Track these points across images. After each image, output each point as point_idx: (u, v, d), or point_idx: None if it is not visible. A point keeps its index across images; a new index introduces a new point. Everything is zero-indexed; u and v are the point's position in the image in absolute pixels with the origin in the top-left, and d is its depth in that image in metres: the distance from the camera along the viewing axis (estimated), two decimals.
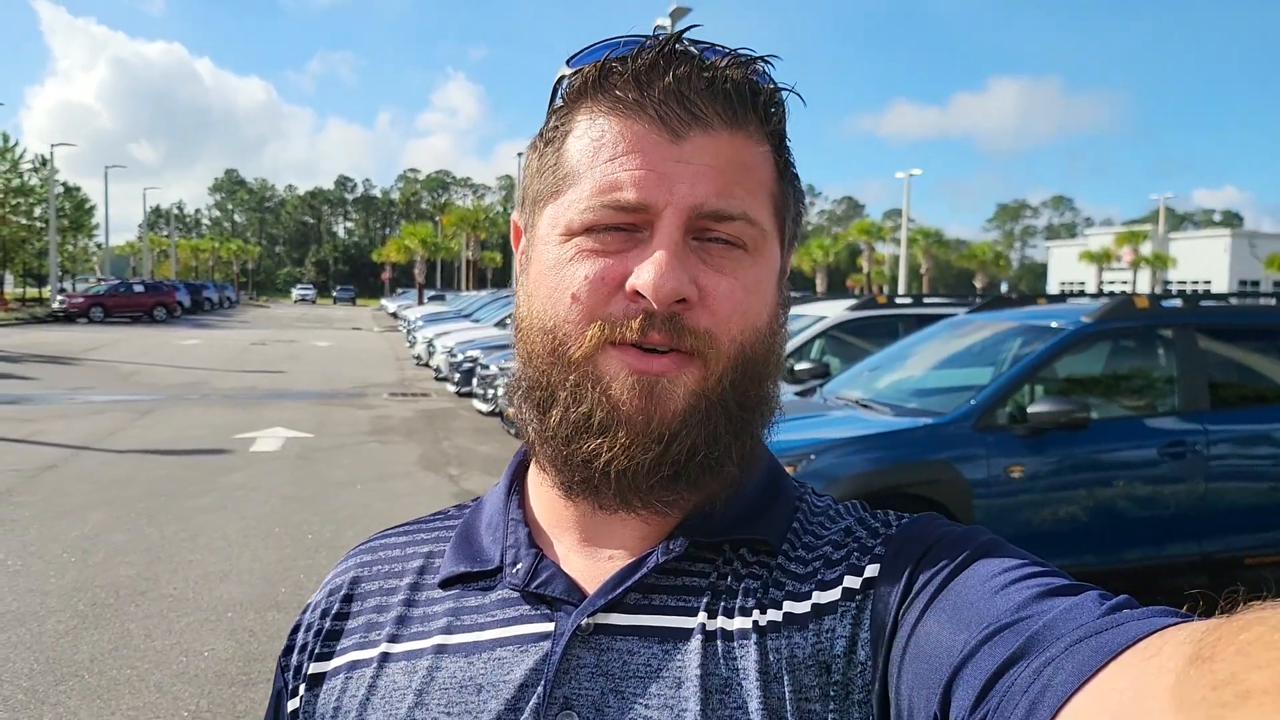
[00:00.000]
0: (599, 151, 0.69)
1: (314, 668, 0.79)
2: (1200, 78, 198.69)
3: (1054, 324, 5.54)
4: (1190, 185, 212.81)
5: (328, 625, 0.81)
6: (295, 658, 0.82)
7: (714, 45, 0.72)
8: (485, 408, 13.91)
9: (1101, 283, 66.02)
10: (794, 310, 9.65)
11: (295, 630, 0.83)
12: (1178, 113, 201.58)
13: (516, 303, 0.76)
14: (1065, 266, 79.35)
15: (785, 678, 0.66)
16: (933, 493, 4.86)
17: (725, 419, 0.70)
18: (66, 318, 41.56)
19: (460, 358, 16.55)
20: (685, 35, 0.72)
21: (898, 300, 8.61)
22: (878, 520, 0.75)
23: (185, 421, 13.49)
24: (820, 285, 59.11)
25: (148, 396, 16.30)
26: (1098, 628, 0.53)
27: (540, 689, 0.68)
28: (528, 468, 0.82)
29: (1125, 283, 65.49)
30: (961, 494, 4.85)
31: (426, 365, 22.00)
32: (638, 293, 0.67)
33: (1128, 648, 0.50)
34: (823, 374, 7.63)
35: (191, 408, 15.09)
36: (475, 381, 14.62)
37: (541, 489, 0.78)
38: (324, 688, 0.77)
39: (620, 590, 0.70)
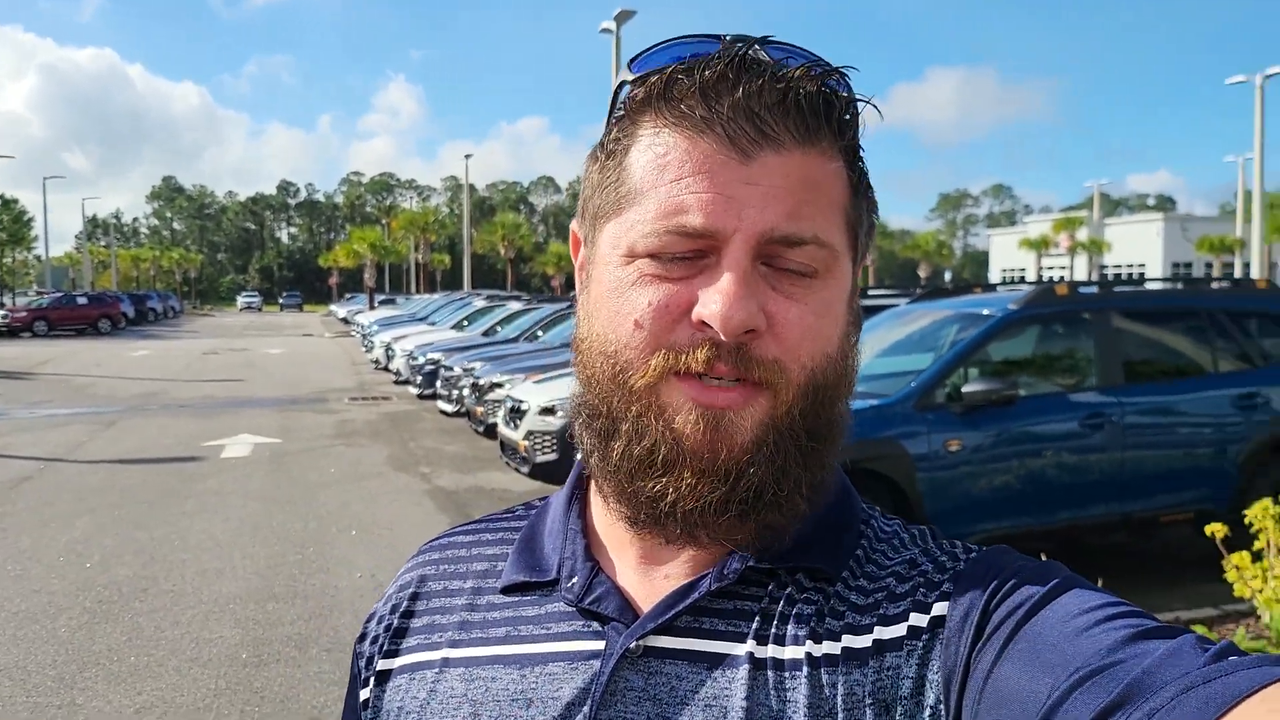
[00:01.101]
0: (663, 171, 0.66)
1: (382, 664, 0.79)
2: (1133, 64, 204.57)
3: (985, 311, 6.10)
4: (1125, 171, 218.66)
5: (395, 621, 0.81)
6: (368, 647, 0.81)
7: (791, 49, 0.68)
8: (450, 408, 14.26)
9: (1041, 269, 67.64)
10: None
11: (369, 619, 0.83)
12: (1111, 100, 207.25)
13: (576, 321, 0.74)
14: (1006, 254, 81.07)
15: (840, 714, 0.63)
16: (881, 467, 5.38)
17: (795, 451, 0.67)
18: (10, 332, 40.89)
19: (422, 360, 16.85)
20: (759, 40, 0.68)
21: None
22: (944, 553, 0.71)
23: (151, 431, 13.67)
24: None
25: (108, 408, 16.38)
26: (1206, 676, 0.50)
27: (586, 709, 0.68)
28: (590, 476, 0.80)
29: (1064, 268, 67.19)
30: (906, 468, 5.38)
31: (385, 369, 22.23)
32: (704, 323, 0.64)
33: (1244, 699, 0.47)
34: None
35: (154, 418, 15.23)
36: (439, 383, 14.95)
37: (601, 504, 0.76)
38: (390, 685, 0.77)
39: (671, 614, 0.69)
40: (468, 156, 51.33)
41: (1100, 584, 0.66)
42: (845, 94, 0.68)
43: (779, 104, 0.65)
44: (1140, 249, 69.28)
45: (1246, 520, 4.72)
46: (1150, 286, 7.11)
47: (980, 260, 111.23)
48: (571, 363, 0.75)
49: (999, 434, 5.56)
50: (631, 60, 0.71)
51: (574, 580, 0.74)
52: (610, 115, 0.72)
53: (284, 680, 4.83)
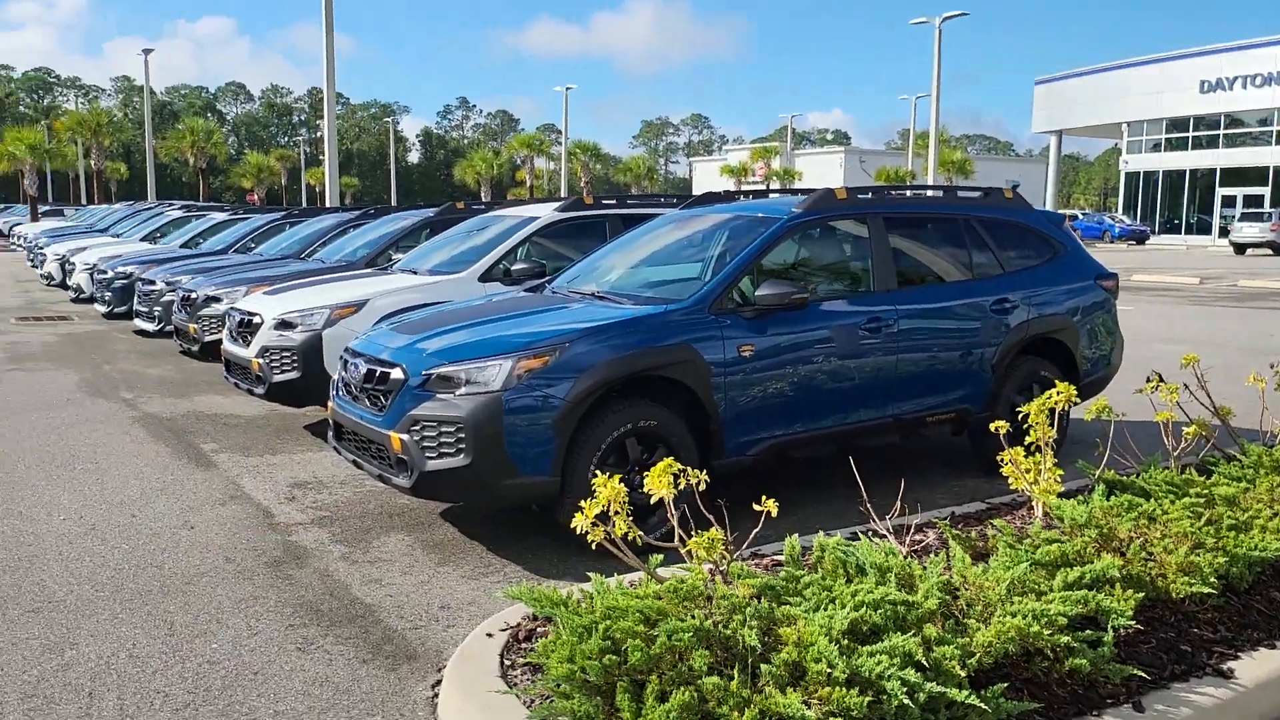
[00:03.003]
0: None
1: None
2: (811, 5, 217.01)
3: (768, 215, 5.96)
4: (805, 107, 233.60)
5: None
6: None
7: None
8: (151, 327, 12.60)
9: (741, 194, 71.09)
10: (503, 212, 9.57)
11: None
12: (792, 40, 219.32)
13: None
14: (707, 180, 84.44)
15: None
16: (676, 373, 5.11)
17: None
18: None
19: (111, 274, 14.80)
20: None
21: (604, 201, 8.80)
22: None
23: None
24: (484, 199, 58.73)
25: None
26: None
27: None
28: None
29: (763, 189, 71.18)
30: (701, 373, 5.14)
31: (62, 286, 19.44)
32: None
33: None
34: (538, 274, 7.67)
35: None
36: (136, 300, 13.16)
37: None
38: None
39: None
40: (147, 51, 45.65)
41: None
42: None
43: None
44: (826, 178, 74.43)
45: (1019, 417, 4.93)
46: (914, 194, 7.29)
47: (682, 186, 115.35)
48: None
49: (788, 339, 5.45)
50: None
51: None
52: None
53: None
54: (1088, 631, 3.40)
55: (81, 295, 17.15)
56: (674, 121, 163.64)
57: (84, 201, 58.74)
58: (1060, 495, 4.72)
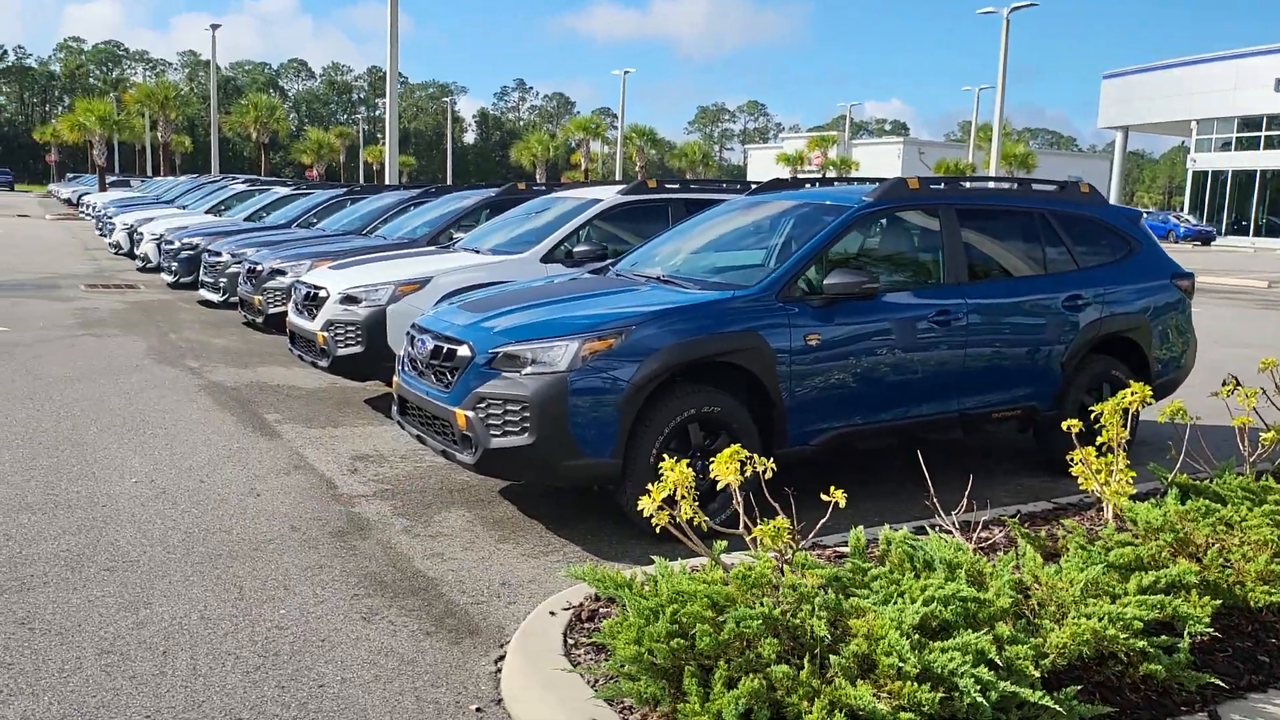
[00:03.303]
0: None
1: None
2: None
3: (838, 203, 5.89)
4: (864, 96, 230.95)
5: None
6: None
7: None
8: (216, 297, 12.81)
9: (810, 181, 70.52)
10: (565, 193, 9.57)
11: None
12: (852, 28, 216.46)
13: None
14: (762, 168, 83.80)
15: None
16: (742, 360, 5.08)
17: None
18: None
19: (178, 245, 15.07)
20: None
21: (667, 185, 8.76)
22: None
23: None
24: (540, 179, 58.93)
25: None
26: None
27: None
28: None
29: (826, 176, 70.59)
30: (767, 361, 5.11)
31: (129, 255, 19.86)
32: None
33: None
34: (600, 256, 7.67)
35: None
36: (202, 270, 13.40)
37: None
38: None
39: None
40: (215, 27, 46.41)
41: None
42: None
43: None
44: (883, 169, 73.50)
45: (1091, 417, 4.82)
46: (991, 185, 7.15)
47: (736, 173, 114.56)
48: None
49: (855, 329, 5.39)
50: None
51: None
52: None
53: (58, 607, 3.98)
54: (1163, 637, 3.33)
55: (148, 265, 17.51)
56: (730, 108, 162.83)
57: (149, 173, 59.95)
58: (1131, 498, 4.63)
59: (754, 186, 7.63)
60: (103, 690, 3.34)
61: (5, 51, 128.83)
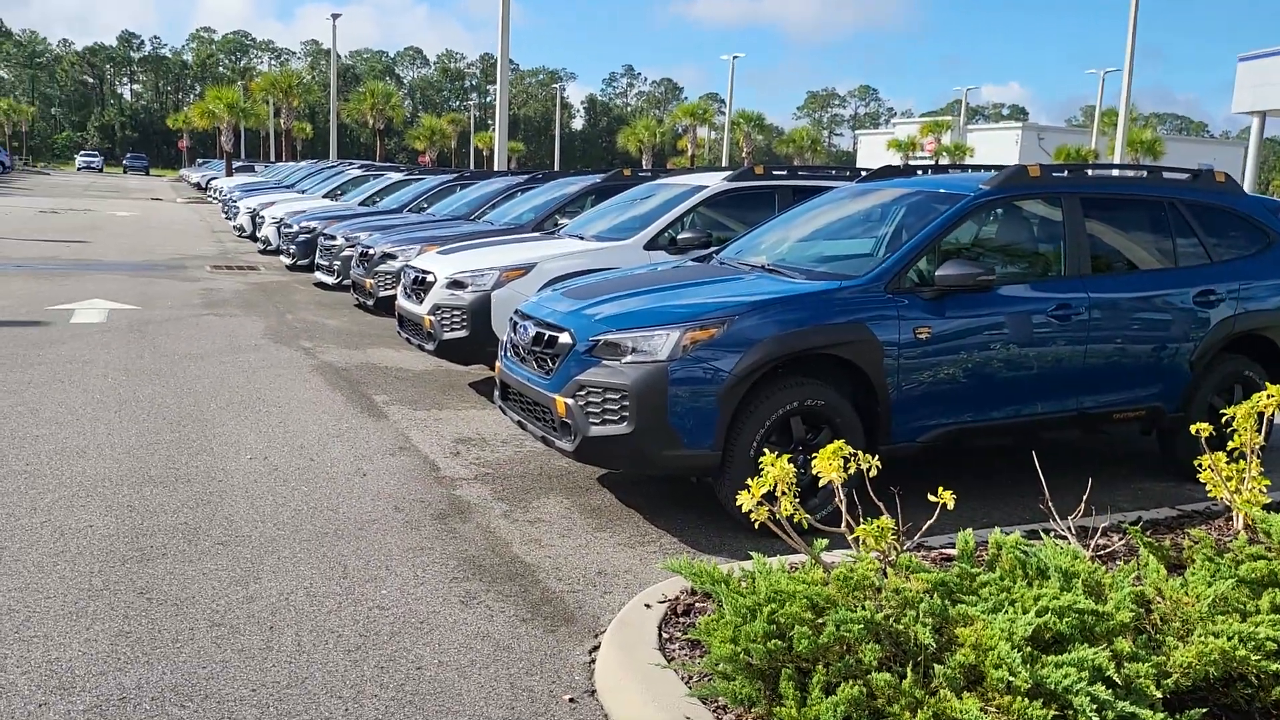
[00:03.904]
0: None
1: None
2: None
3: (953, 191, 5.68)
4: (979, 80, 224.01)
5: None
6: None
7: None
8: (331, 280, 13.20)
9: (922, 169, 68.95)
10: (670, 180, 9.52)
11: None
12: (969, 8, 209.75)
13: None
14: (872, 154, 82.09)
15: None
16: (848, 353, 4.95)
17: None
18: None
19: (296, 229, 15.58)
20: None
21: (775, 172, 8.62)
22: None
23: None
24: (646, 165, 58.99)
25: None
26: None
27: None
28: None
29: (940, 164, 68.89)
30: (874, 354, 4.96)
31: (251, 238, 20.64)
32: None
33: None
34: (704, 243, 7.60)
35: None
36: (318, 253, 13.81)
37: None
38: None
39: None
40: (335, 16, 47.80)
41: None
42: None
43: None
44: (1000, 155, 71.17)
45: (1222, 420, 4.54)
46: (1115, 174, 6.81)
47: (845, 159, 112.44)
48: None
49: (968, 322, 5.19)
50: None
51: None
52: None
53: (174, 578, 4.13)
54: None
55: (269, 247, 18.16)
56: (840, 93, 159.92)
57: (272, 158, 62.24)
58: (1265, 508, 4.35)
59: (864, 174, 7.43)
60: (212, 662, 3.44)
61: (142, 42, 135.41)
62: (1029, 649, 2.90)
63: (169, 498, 5.10)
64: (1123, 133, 39.27)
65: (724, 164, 53.97)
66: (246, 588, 4.05)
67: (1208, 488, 4.49)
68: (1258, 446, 4.42)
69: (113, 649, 3.50)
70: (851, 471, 3.54)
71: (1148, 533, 4.64)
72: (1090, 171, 6.32)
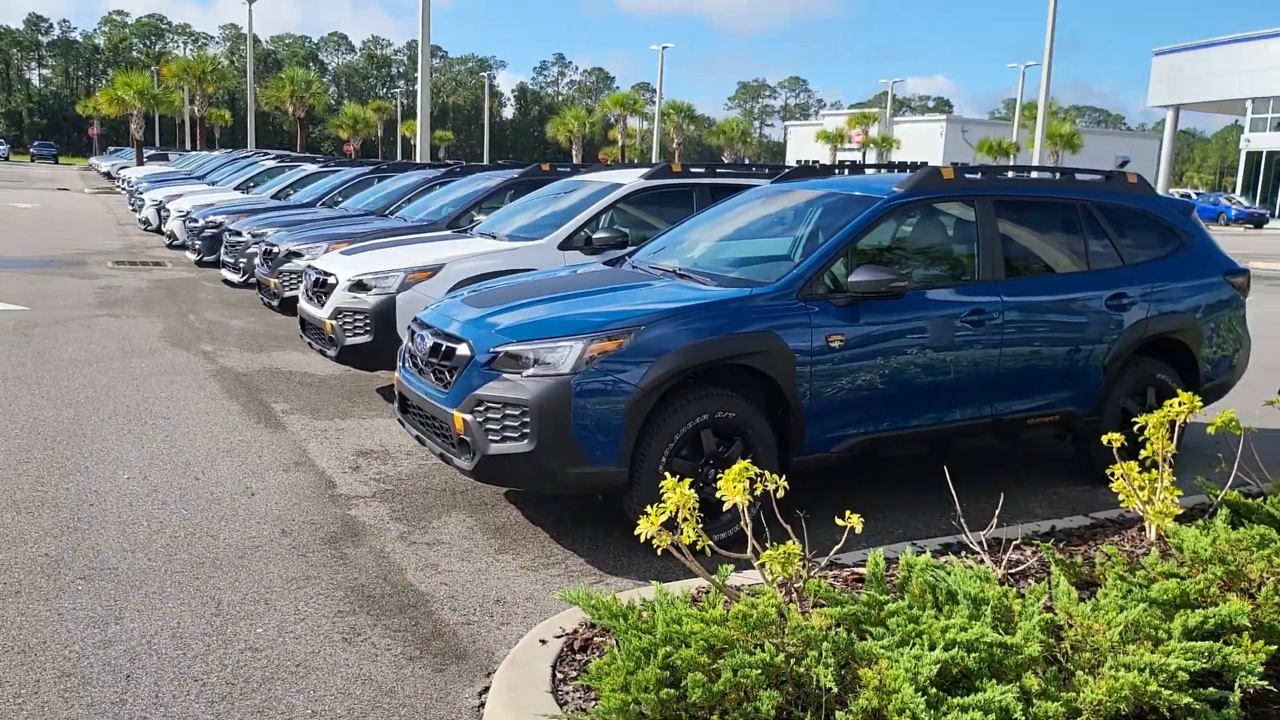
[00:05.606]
0: None
1: None
2: None
3: (866, 194, 5.53)
4: (906, 72, 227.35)
5: None
6: None
7: None
8: (236, 278, 12.68)
9: (838, 167, 69.66)
10: (587, 177, 9.26)
11: None
12: (897, 2, 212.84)
13: None
14: (802, 146, 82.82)
15: None
16: (759, 363, 4.76)
17: None
18: None
19: (202, 223, 14.96)
20: None
21: (693, 169, 8.42)
22: None
23: None
24: (576, 157, 58.54)
25: None
26: None
27: None
28: None
29: (856, 163, 69.66)
30: (786, 364, 4.78)
31: (158, 231, 19.85)
32: None
33: None
34: (620, 243, 7.37)
35: None
36: (223, 249, 13.26)
37: None
38: None
39: None
40: (248, 1, 46.36)
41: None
42: None
43: None
44: (925, 148, 72.25)
45: (1134, 427, 4.47)
46: (1032, 175, 6.72)
47: (775, 150, 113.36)
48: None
49: (881, 329, 5.05)
50: None
51: None
52: None
53: (27, 620, 3.77)
54: (1210, 689, 2.99)
55: (175, 242, 17.45)
56: (771, 84, 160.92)
57: (188, 147, 60.28)
58: (1177, 519, 4.28)
59: (781, 173, 7.27)
60: (58, 719, 3.12)
61: (51, 25, 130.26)
62: (934, 691, 2.73)
63: (32, 525, 4.71)
64: (1042, 126, 39.99)
65: (654, 155, 53.69)
66: (105, 629, 3.71)
67: (1120, 498, 4.42)
68: (1170, 454, 4.35)
69: None
70: (759, 492, 3.36)
71: (1061, 544, 4.55)
72: (1003, 173, 6.23)
